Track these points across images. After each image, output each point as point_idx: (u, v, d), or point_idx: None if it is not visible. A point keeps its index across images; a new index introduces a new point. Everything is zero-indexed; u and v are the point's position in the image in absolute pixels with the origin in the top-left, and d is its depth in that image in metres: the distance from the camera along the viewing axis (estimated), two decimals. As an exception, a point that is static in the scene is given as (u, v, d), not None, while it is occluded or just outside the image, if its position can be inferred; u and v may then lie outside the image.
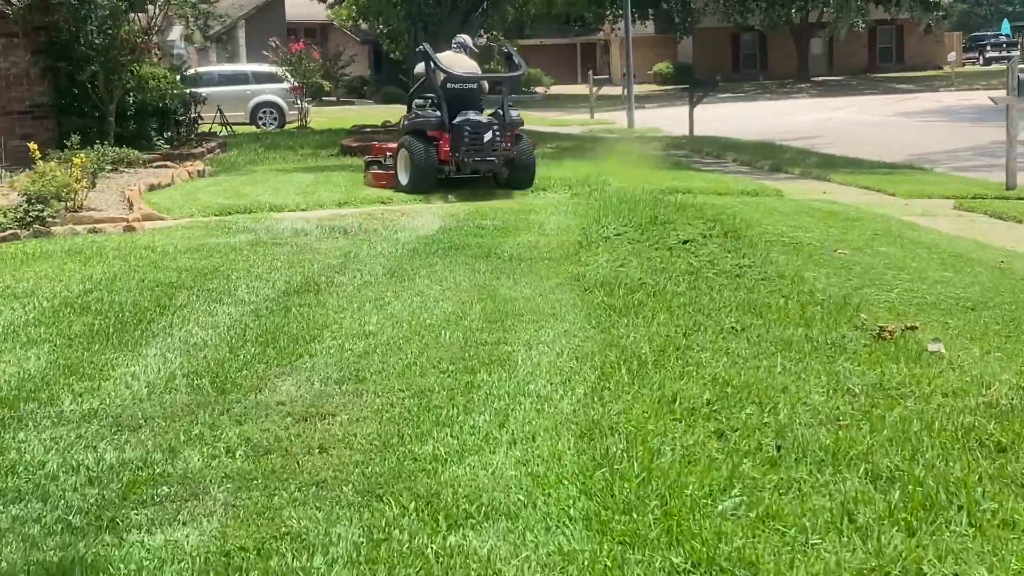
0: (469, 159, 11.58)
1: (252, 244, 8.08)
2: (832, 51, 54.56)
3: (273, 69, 29.61)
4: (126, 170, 13.84)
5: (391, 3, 22.32)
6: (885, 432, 3.89)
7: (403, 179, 11.85)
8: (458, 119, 11.54)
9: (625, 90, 31.84)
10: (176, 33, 31.18)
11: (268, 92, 29.76)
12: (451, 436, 4.03)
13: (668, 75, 54.08)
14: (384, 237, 8.41)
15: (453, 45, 12.70)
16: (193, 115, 21.64)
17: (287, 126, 29.46)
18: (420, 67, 12.24)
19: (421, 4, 19.19)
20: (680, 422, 4.10)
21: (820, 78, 51.53)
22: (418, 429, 4.12)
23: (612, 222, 8.22)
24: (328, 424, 4.23)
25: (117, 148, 14.36)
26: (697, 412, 4.18)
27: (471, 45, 12.96)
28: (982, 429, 3.94)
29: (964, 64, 54.02)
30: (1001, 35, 63.89)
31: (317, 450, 3.96)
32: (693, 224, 7.95)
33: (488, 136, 11.53)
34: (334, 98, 45.91)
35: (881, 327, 5.21)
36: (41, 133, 15.51)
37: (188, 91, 21.38)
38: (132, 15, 17.82)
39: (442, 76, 11.85)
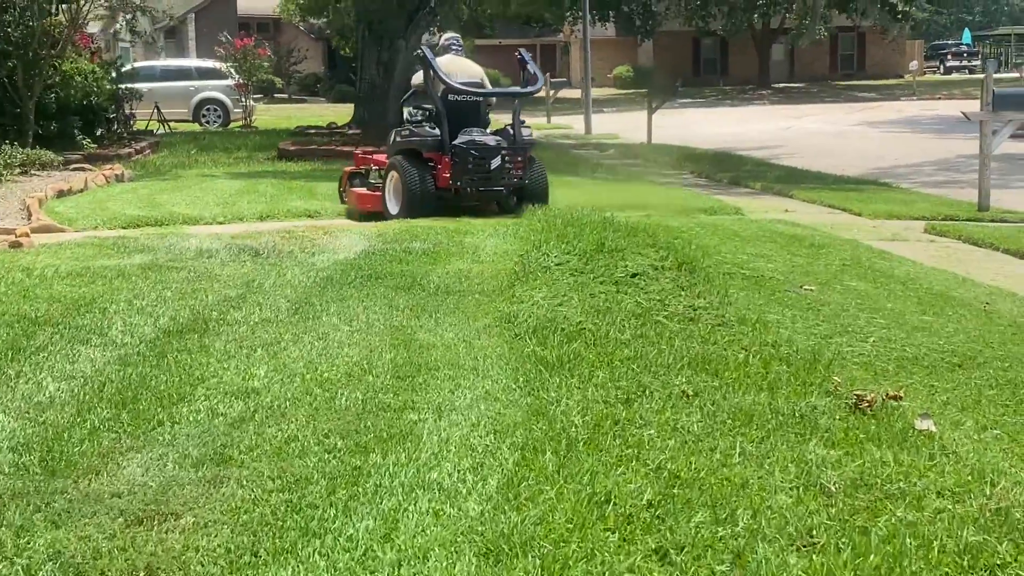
0: (473, 188, 9.91)
1: (145, 268, 7.13)
2: (793, 57, 54.21)
3: (218, 65, 28.56)
4: (38, 173, 12.83)
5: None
6: (872, 559, 3.04)
7: (392, 208, 10.07)
8: (460, 138, 9.86)
9: (584, 93, 31.10)
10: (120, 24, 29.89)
11: (212, 89, 28.69)
12: (320, 553, 3.14)
13: (628, 78, 53.42)
14: (298, 261, 7.50)
15: (454, 47, 10.71)
16: (127, 112, 20.61)
17: (231, 124, 28.42)
18: (417, 77, 10.44)
19: (366, 1, 18.26)
20: (613, 533, 3.24)
21: (781, 85, 51.12)
22: (280, 541, 3.22)
23: (554, 248, 7.34)
24: (168, 530, 3.32)
25: (29, 150, 13.34)
26: (635, 519, 3.32)
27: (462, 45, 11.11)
28: (992, 551, 3.12)
29: (925, 73, 53.80)
30: (962, 44, 63.90)
31: (142, 574, 3.06)
32: (644, 253, 7.09)
33: (496, 162, 9.85)
34: (286, 95, 44.82)
35: (858, 395, 4.38)
36: (-45, 132, 14.45)
37: (124, 87, 20.38)
38: (57, 7, 16.81)
39: (442, 87, 10.06)
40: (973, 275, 8.04)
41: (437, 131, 9.94)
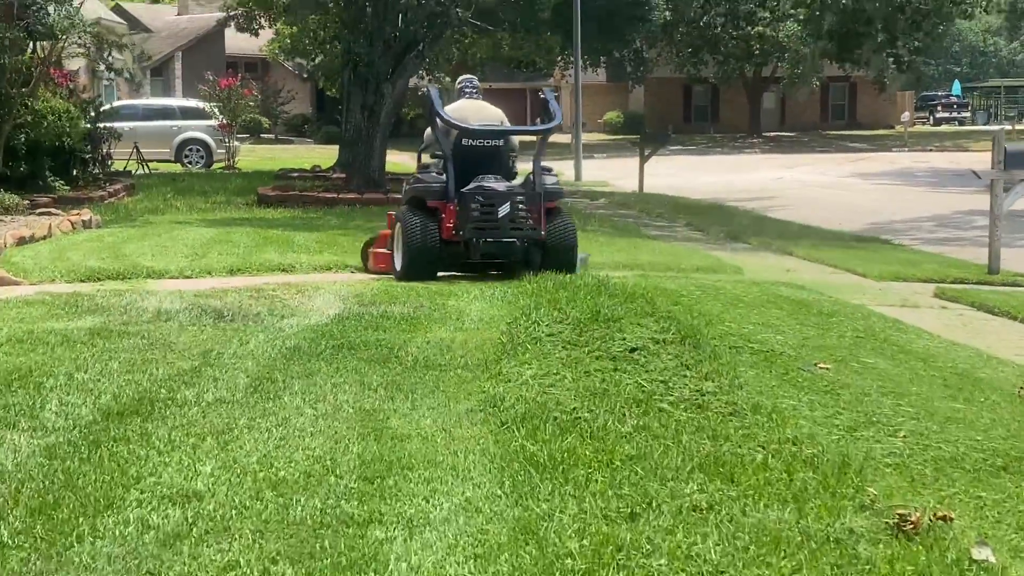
0: (480, 239, 8.76)
1: (94, 333, 6.47)
2: (784, 106, 54.04)
3: (201, 104, 28.00)
4: (1, 218, 12.18)
5: (319, 40, 20.91)
6: None
7: (398, 262, 9.14)
8: (470, 185, 8.85)
9: (574, 139, 30.71)
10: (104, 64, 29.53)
11: (195, 129, 28.10)
12: None
13: (619, 124, 53.15)
14: (264, 326, 6.85)
15: (467, 89, 9.65)
16: (104, 153, 20.02)
17: (214, 165, 27.84)
18: (430, 131, 9.41)
19: (351, 42, 17.75)
20: None
21: (772, 133, 50.91)
22: None
23: (545, 316, 6.72)
24: None
25: (-6, 192, 12.72)
26: None
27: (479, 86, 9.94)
28: None
29: (915, 124, 53.67)
30: (952, 96, 63.93)
31: None
32: (643, 323, 6.47)
33: (504, 209, 8.74)
34: (272, 136, 44.35)
35: (900, 514, 3.75)
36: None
37: (102, 126, 19.84)
38: (34, 44, 16.28)
39: (448, 130, 9.10)
40: (994, 350, 7.45)
41: (443, 177, 8.98)
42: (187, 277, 9.28)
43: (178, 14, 51.62)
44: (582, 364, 5.83)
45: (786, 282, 10.14)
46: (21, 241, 10.73)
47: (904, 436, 4.92)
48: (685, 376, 5.56)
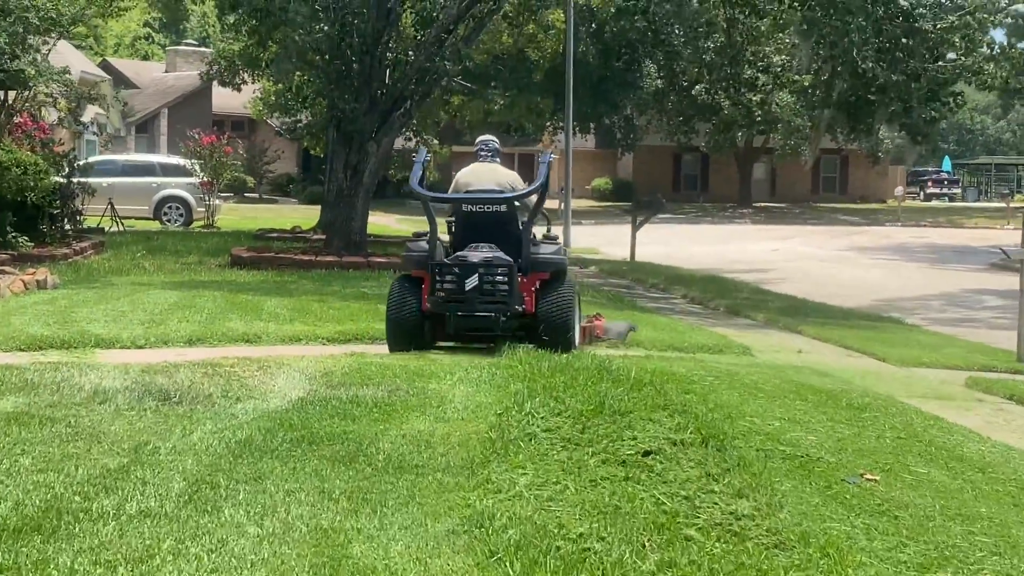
0: (451, 313, 8.20)
1: (12, 418, 5.50)
2: (775, 177, 53.62)
3: (182, 161, 27.18)
4: (-51, 276, 11.23)
5: (303, 98, 20.14)
6: None
7: None
8: (453, 255, 8.36)
9: (562, 204, 29.99)
10: (88, 116, 28.79)
11: (175, 186, 27.24)
12: None
13: (607, 191, 52.62)
14: (214, 411, 5.89)
15: (483, 153, 8.97)
16: (74, 208, 19.11)
17: (194, 224, 26.96)
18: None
19: (336, 98, 16.97)
20: None
21: (762, 204, 50.39)
22: None
23: (541, 407, 5.78)
24: None
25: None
26: None
27: (499, 148, 9.31)
28: None
29: (906, 199, 53.36)
30: (943, 172, 63.78)
31: None
32: (655, 418, 5.54)
33: (472, 281, 8.06)
34: (257, 195, 43.59)
35: None
36: None
37: (76, 181, 18.99)
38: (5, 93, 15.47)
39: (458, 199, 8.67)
40: (1052, 454, 6.54)
41: (427, 245, 8.40)
42: (140, 347, 8.35)
43: (166, 71, 51.10)
44: (586, 470, 4.89)
45: (804, 365, 9.26)
46: (-37, 302, 9.78)
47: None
48: (713, 491, 4.62)
